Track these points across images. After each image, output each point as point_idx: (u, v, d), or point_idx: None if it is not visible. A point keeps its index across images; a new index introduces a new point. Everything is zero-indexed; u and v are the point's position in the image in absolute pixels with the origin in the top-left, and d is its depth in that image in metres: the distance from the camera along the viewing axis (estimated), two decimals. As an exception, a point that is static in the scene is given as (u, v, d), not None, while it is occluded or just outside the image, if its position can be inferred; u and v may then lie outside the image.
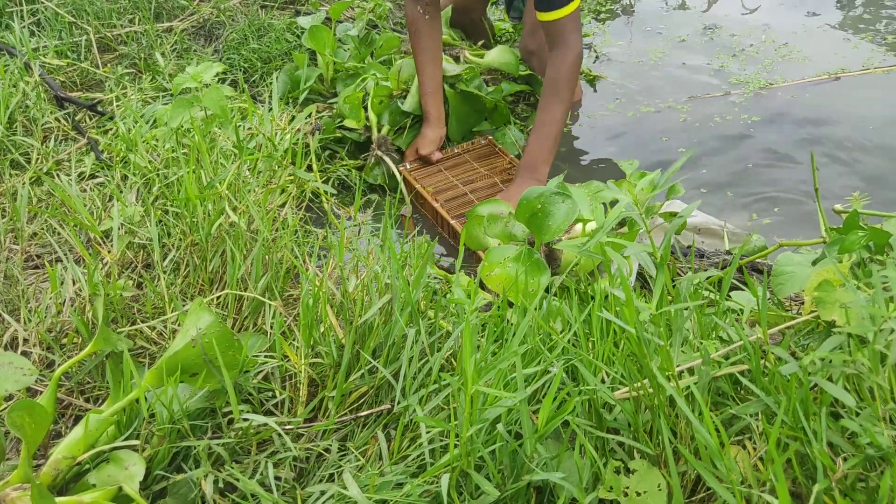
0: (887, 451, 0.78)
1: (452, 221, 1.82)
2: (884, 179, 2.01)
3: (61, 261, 1.40)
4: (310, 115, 2.09)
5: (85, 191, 1.66)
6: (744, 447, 0.92)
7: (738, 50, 2.67)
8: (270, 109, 1.81)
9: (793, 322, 1.02)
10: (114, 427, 1.06)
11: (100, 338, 1.09)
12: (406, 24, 2.09)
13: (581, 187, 1.49)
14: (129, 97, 2.05)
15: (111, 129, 1.92)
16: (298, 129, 1.91)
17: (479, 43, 2.54)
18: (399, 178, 1.96)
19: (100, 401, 1.19)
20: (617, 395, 0.94)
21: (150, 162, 1.63)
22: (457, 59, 2.35)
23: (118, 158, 1.73)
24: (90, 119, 2.01)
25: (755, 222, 1.88)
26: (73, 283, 1.35)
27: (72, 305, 1.30)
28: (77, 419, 1.16)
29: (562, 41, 1.88)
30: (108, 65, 2.27)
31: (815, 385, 0.90)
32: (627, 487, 0.88)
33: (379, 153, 2.03)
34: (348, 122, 2.09)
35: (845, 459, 0.84)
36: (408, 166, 2.05)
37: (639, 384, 0.91)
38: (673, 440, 0.90)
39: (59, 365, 1.21)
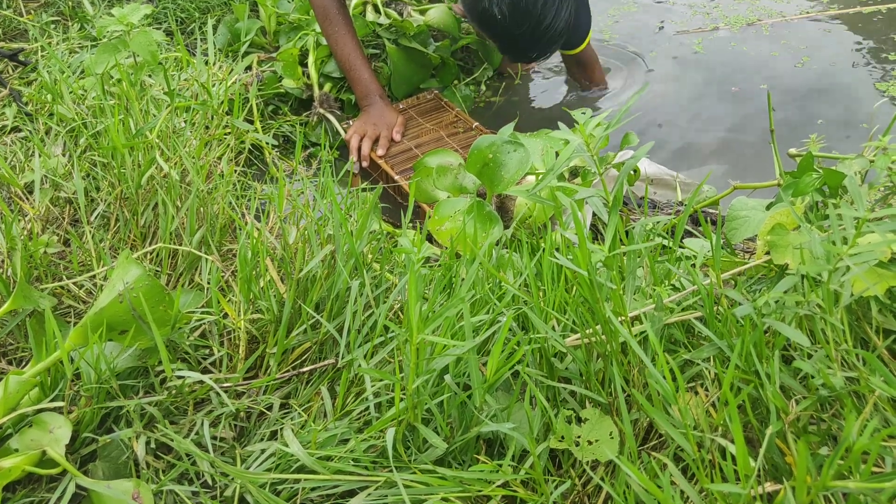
0: (840, 392, 0.77)
1: (396, 177, 1.76)
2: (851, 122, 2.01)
3: (-21, 217, 1.31)
4: (250, 66, 2.00)
5: (6, 144, 1.56)
6: (696, 393, 0.90)
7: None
8: (206, 59, 1.72)
9: (745, 266, 1.00)
10: (38, 389, 0.99)
11: (18, 294, 1.01)
12: (315, 14, 1.94)
13: (533, 136, 1.45)
14: (55, 46, 1.92)
15: (35, 79, 1.80)
16: (236, 80, 1.82)
17: None
18: (343, 135, 1.89)
19: (23, 363, 1.11)
20: (568, 342, 0.91)
21: (77, 113, 1.53)
22: (400, 15, 2.27)
23: (43, 110, 1.62)
24: (13, 70, 1.88)
25: (710, 167, 1.86)
26: (-6, 241, 1.26)
27: (-9, 263, 1.22)
28: (-2, 382, 1.09)
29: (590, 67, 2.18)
30: (33, 12, 2.12)
31: (768, 329, 0.89)
32: (579, 436, 0.85)
33: (321, 111, 1.96)
34: (286, 82, 2.00)
35: (798, 402, 0.83)
36: (360, 166, 1.86)
37: (591, 330, 0.88)
38: (626, 387, 0.88)
39: (-24, 326, 1.12)
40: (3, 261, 1.20)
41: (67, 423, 0.93)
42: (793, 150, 1.24)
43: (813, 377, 0.79)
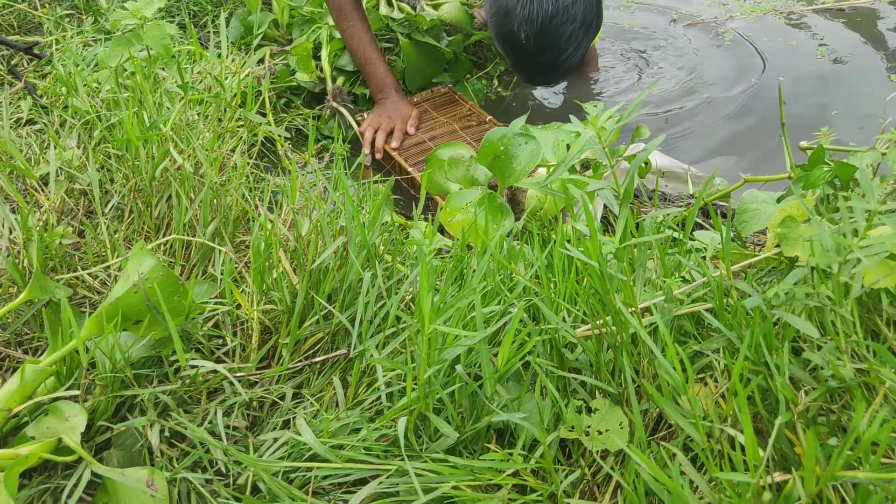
0: (849, 383, 0.77)
1: (410, 168, 1.77)
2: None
3: (-5, 209, 1.33)
4: (262, 59, 2.01)
5: (22, 137, 1.57)
6: (705, 384, 0.90)
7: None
8: (219, 52, 1.73)
9: (755, 259, 1.00)
10: (54, 378, 1.01)
11: (34, 285, 1.03)
12: (330, 8, 1.96)
13: (545, 129, 1.46)
14: (70, 40, 1.94)
15: (50, 72, 1.82)
16: (248, 73, 1.83)
17: None
18: (356, 128, 1.89)
19: (39, 352, 1.13)
20: (579, 332, 0.91)
21: (91, 105, 1.54)
22: (413, 9, 2.27)
23: (58, 102, 1.64)
24: (28, 63, 1.90)
25: (721, 159, 1.86)
26: (10, 232, 1.27)
27: (6, 255, 1.23)
28: (15, 371, 1.10)
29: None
30: (47, 6, 2.14)
31: (778, 321, 0.89)
32: (589, 426, 0.86)
33: (334, 104, 1.96)
34: (299, 76, 2.01)
35: (807, 393, 0.83)
36: (372, 158, 1.87)
37: (601, 321, 0.89)
38: (636, 378, 0.88)
39: (-7, 315, 1.14)
40: (19, 251, 1.22)
41: (83, 411, 0.95)
42: (804, 143, 1.23)
43: (822, 368, 0.79)
